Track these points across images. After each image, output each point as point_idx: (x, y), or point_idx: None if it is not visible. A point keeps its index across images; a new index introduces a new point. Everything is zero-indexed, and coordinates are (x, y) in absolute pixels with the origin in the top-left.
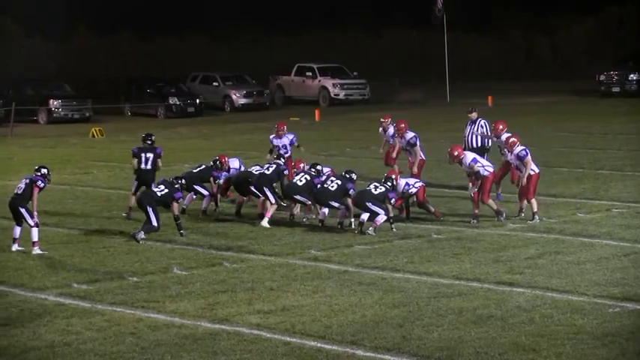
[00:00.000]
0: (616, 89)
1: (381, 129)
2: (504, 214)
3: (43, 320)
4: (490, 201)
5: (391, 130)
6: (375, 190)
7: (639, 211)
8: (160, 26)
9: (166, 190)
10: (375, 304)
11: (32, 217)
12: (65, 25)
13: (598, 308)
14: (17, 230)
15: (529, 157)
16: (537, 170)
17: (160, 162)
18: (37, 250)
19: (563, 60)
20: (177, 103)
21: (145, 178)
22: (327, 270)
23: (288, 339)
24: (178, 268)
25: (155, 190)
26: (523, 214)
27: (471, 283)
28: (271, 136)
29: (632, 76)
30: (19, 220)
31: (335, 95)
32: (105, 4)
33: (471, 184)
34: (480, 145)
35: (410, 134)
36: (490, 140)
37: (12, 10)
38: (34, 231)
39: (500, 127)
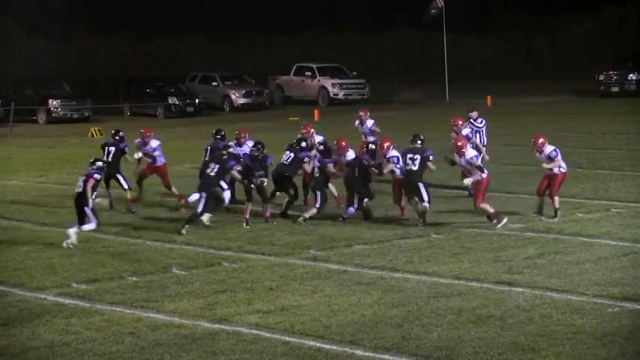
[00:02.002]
0: (615, 89)
1: (357, 122)
2: (503, 219)
3: (42, 320)
4: (484, 205)
5: (369, 123)
6: (416, 166)
7: (638, 210)
8: (160, 26)
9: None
10: (374, 304)
11: (95, 217)
12: (65, 25)
13: (597, 308)
14: (72, 231)
15: (559, 156)
16: (565, 170)
17: (126, 157)
18: (71, 241)
19: (563, 60)
20: (177, 102)
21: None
22: (327, 270)
23: (287, 339)
24: (177, 268)
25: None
26: (554, 211)
27: (470, 283)
28: (231, 143)
29: (631, 75)
30: (82, 219)
31: (334, 95)
32: (105, 4)
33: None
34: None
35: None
36: (485, 139)
37: (12, 10)
38: (87, 226)
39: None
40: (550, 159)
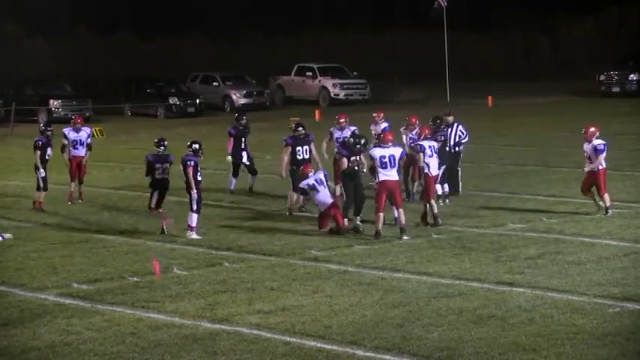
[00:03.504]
0: (616, 89)
1: (372, 125)
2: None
3: (43, 320)
4: (433, 201)
5: (382, 125)
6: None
7: (639, 211)
8: (160, 26)
9: None
10: (375, 304)
11: (197, 203)
12: (65, 25)
13: (598, 308)
14: (197, 218)
15: (604, 154)
16: (605, 165)
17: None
18: (193, 235)
19: (563, 60)
20: (177, 103)
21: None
22: (327, 270)
23: (288, 339)
24: (178, 268)
25: None
26: (605, 209)
27: (471, 283)
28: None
29: (632, 76)
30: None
31: (335, 95)
32: (105, 4)
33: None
34: (456, 150)
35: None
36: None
37: (13, 10)
38: (193, 216)
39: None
40: (595, 151)
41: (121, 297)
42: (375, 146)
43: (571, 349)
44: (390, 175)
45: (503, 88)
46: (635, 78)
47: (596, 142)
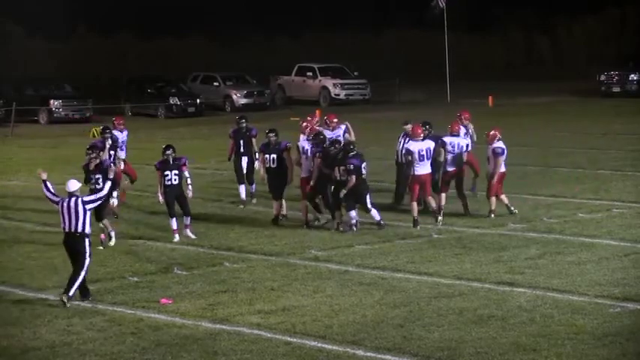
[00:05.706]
0: (616, 89)
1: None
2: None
3: (44, 320)
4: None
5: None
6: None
7: (639, 211)
8: (160, 26)
9: None
10: (375, 304)
11: (167, 207)
12: (65, 25)
13: (598, 308)
14: (173, 221)
15: (504, 156)
16: (504, 169)
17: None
18: (187, 233)
19: (563, 60)
20: (178, 103)
21: None
22: (328, 270)
23: (288, 339)
24: (179, 268)
25: None
26: (493, 215)
27: (471, 283)
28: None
29: (632, 76)
30: (183, 210)
31: (335, 95)
32: (105, 4)
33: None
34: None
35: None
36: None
37: (13, 10)
38: (172, 220)
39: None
40: (494, 154)
41: (122, 297)
42: (409, 140)
43: (571, 349)
44: (424, 168)
45: (504, 88)
46: (635, 78)
47: (495, 144)
